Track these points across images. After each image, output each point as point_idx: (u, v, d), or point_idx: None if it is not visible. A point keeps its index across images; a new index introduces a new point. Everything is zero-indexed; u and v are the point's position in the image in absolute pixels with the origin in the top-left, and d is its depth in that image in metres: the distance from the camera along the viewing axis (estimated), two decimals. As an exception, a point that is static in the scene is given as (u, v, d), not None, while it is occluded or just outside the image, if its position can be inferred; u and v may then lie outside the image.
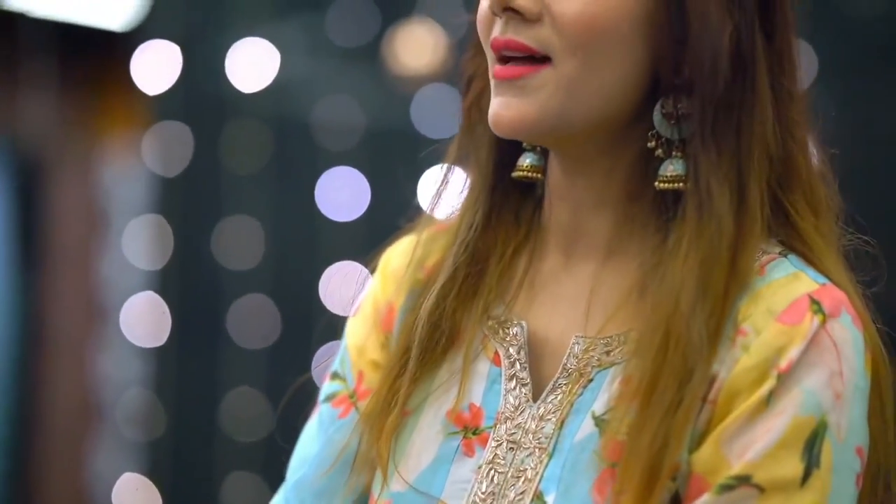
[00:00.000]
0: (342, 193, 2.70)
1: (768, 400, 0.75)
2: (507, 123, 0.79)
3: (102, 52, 3.57)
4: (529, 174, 0.86)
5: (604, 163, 0.82)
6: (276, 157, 2.83)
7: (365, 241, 2.74)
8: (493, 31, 0.79)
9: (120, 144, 3.79)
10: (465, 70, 0.87)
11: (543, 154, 0.86)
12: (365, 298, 0.93)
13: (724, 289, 0.77)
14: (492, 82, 0.80)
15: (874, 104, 2.51)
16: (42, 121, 3.66)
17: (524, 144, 0.86)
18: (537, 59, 0.78)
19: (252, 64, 2.75)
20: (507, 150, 0.86)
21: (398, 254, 0.93)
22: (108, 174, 3.82)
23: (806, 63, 2.69)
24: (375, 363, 0.90)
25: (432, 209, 0.90)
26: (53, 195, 3.83)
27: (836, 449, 0.74)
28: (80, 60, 3.65)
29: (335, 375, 0.92)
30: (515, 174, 0.86)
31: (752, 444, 0.74)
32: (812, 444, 0.74)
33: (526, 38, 0.78)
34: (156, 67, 2.81)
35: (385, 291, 0.91)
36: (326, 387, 0.92)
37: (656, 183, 0.79)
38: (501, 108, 0.78)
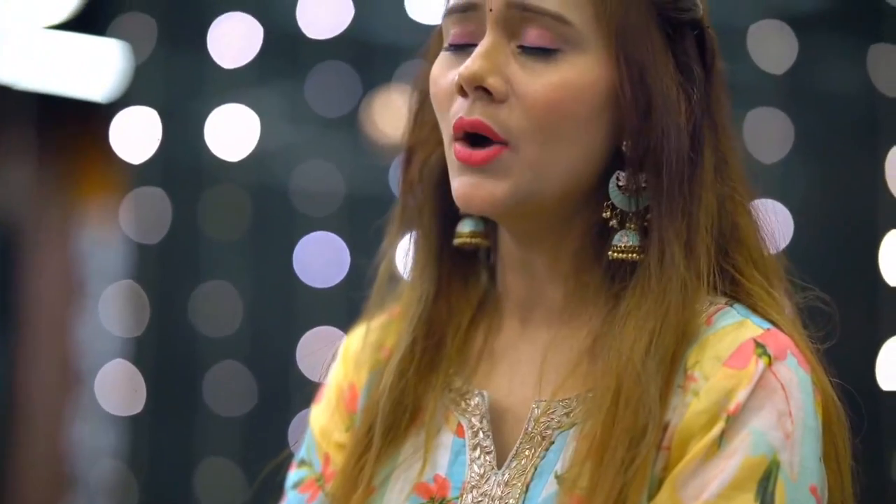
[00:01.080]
0: (321, 260, 2.70)
1: (720, 442, 0.76)
2: (478, 203, 0.80)
3: (81, 118, 3.58)
4: (471, 240, 0.88)
5: (555, 236, 0.83)
6: (255, 224, 2.84)
7: (345, 308, 2.74)
8: (457, 110, 0.80)
9: (98, 211, 3.79)
10: (405, 142, 0.88)
11: (482, 219, 0.88)
12: (327, 385, 0.94)
13: (673, 349, 0.79)
14: (453, 160, 0.81)
15: (846, 174, 2.55)
16: (19, 187, 3.66)
17: (461, 210, 0.86)
18: (497, 141, 0.79)
19: (231, 130, 2.76)
20: (449, 218, 0.88)
21: (357, 338, 0.94)
22: (86, 241, 3.81)
23: (783, 133, 2.74)
24: (341, 445, 0.91)
25: (380, 285, 0.92)
26: (30, 261, 3.81)
27: (790, 488, 0.75)
28: (58, 127, 3.66)
29: (301, 462, 0.93)
30: (457, 242, 0.88)
31: (707, 485, 0.75)
32: (766, 484, 0.75)
33: (492, 121, 0.78)
34: (135, 134, 2.82)
35: (346, 374, 0.93)
36: (293, 475, 0.93)
37: (610, 253, 0.81)
38: (471, 188, 0.79)
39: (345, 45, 2.71)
